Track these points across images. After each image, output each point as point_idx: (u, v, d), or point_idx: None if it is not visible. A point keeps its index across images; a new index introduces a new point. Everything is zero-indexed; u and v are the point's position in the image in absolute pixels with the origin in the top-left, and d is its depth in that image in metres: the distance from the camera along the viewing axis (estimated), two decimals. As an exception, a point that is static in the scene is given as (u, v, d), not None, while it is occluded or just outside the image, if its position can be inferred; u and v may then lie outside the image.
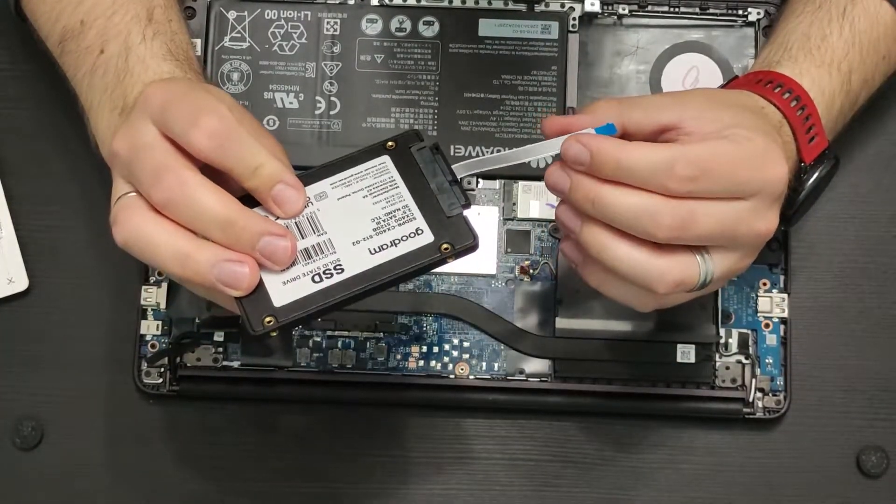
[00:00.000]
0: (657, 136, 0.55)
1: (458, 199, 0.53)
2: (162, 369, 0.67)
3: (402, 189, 0.53)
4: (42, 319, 0.68)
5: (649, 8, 0.70)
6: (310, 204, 0.53)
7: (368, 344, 0.67)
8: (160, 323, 0.67)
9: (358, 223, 0.53)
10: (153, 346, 0.67)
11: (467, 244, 0.52)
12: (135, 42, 0.60)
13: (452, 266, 0.66)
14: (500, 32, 0.70)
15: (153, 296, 0.67)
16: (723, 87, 0.64)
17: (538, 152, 0.55)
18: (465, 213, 0.53)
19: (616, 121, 0.55)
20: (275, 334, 0.50)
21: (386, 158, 0.54)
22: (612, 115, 0.55)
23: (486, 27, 0.70)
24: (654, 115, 0.55)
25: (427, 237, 0.52)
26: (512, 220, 0.68)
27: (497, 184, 0.68)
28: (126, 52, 0.60)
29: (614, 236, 0.54)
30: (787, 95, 0.59)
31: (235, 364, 0.67)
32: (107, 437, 0.67)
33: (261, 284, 0.51)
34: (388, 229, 0.52)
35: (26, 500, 0.67)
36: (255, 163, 0.52)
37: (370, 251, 0.52)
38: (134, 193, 0.53)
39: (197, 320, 0.67)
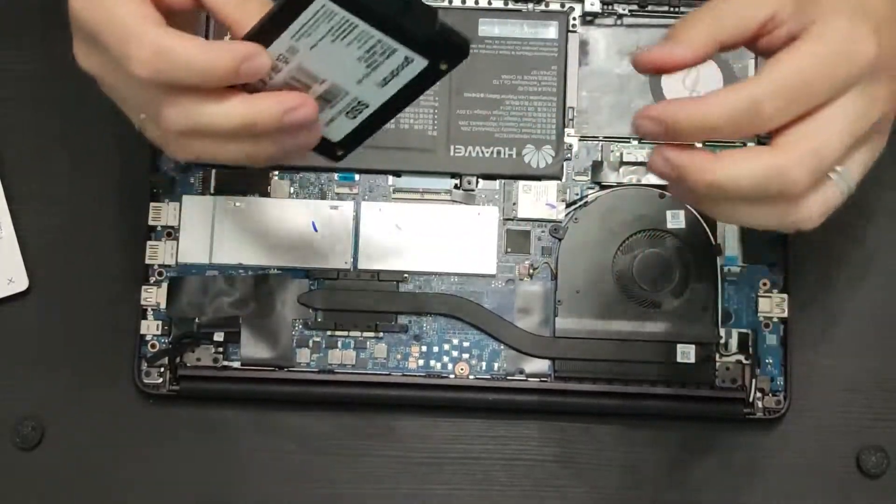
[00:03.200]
0: (758, 38, 0.48)
1: (421, 16, 0.49)
2: (162, 369, 0.67)
3: (364, 26, 0.50)
4: (42, 319, 0.68)
5: (649, 8, 0.70)
6: (287, 60, 0.51)
7: (368, 344, 0.67)
8: (160, 323, 0.67)
9: (347, 66, 0.51)
10: (153, 346, 0.67)
11: (461, 56, 0.51)
12: None
13: (452, 266, 0.67)
14: (500, 32, 0.69)
15: (153, 296, 0.67)
16: None
17: None
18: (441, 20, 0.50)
19: (710, 42, 0.48)
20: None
21: (323, 1, 0.49)
22: (703, 37, 0.48)
23: (486, 27, 0.70)
24: (750, 18, 0.47)
25: (420, 62, 0.51)
26: (512, 220, 0.68)
27: (497, 184, 0.68)
28: None
29: (743, 205, 0.47)
30: None
31: (235, 364, 0.67)
32: (107, 437, 0.67)
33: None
34: (379, 65, 0.51)
35: (26, 500, 0.67)
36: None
37: (377, 85, 0.52)
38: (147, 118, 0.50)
39: (197, 320, 0.67)
